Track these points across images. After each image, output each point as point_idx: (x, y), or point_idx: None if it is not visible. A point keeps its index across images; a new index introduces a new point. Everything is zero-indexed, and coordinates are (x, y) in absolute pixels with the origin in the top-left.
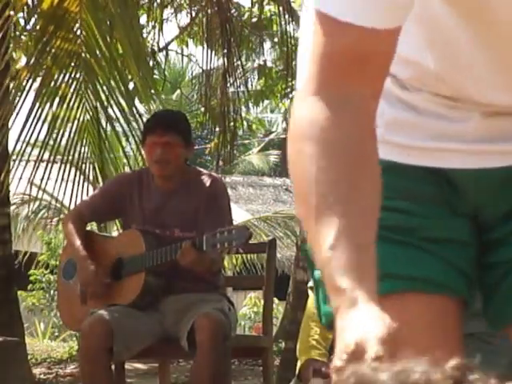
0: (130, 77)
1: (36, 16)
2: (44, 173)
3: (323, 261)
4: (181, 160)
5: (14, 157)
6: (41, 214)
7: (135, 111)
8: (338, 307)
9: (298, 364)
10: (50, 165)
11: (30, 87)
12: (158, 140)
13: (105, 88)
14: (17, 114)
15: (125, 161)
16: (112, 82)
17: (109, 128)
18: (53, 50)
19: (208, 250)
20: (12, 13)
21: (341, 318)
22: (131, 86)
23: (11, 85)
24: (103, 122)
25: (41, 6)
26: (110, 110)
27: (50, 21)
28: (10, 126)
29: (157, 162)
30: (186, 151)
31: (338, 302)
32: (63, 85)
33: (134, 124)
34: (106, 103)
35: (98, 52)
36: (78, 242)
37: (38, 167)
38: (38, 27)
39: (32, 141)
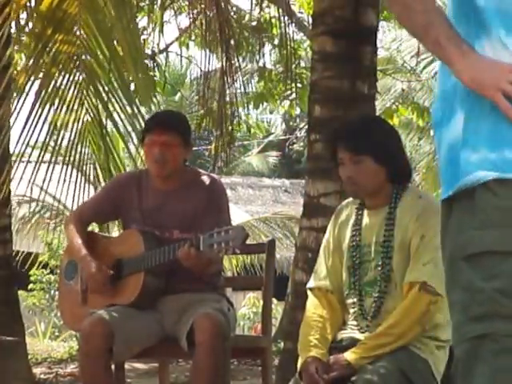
0: (131, 78)
1: (35, 16)
2: (46, 174)
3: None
4: (179, 160)
5: (14, 158)
6: (38, 214)
7: (136, 111)
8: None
9: (299, 362)
10: (51, 166)
11: (30, 88)
12: (157, 139)
13: (105, 88)
14: (17, 115)
15: (126, 162)
16: (114, 82)
17: (110, 129)
18: (52, 51)
19: (205, 249)
20: (12, 13)
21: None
22: (132, 87)
23: (11, 86)
24: (104, 123)
25: (40, 7)
26: (111, 111)
27: (49, 21)
28: (10, 127)
29: (155, 161)
30: (185, 151)
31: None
32: (63, 86)
33: (135, 124)
34: (106, 101)
35: (98, 52)
36: (79, 242)
37: (38, 168)
38: (37, 28)
39: (33, 142)
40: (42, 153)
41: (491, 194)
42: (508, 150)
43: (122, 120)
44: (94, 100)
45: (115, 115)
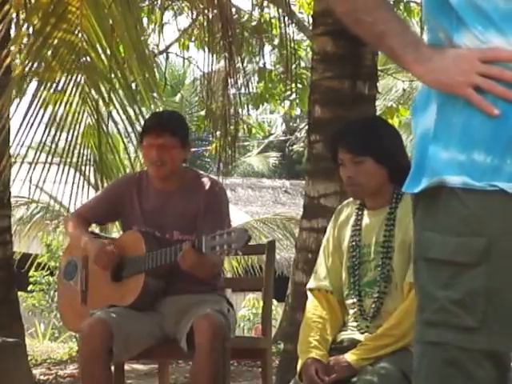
0: (133, 77)
1: (35, 11)
2: (47, 175)
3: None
4: (177, 161)
5: (13, 159)
6: (37, 216)
7: (137, 110)
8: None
9: (299, 364)
10: (50, 167)
11: (27, 87)
12: (154, 142)
13: (106, 84)
14: (14, 113)
15: (126, 162)
16: (114, 80)
17: (110, 129)
18: (52, 45)
19: (207, 252)
20: (12, 10)
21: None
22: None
23: (10, 85)
24: (106, 122)
25: (40, 1)
26: (112, 109)
27: (50, 16)
28: (10, 127)
29: (153, 163)
30: (184, 152)
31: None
32: (62, 84)
33: (136, 124)
34: (107, 100)
35: (99, 49)
36: (81, 231)
37: (35, 169)
38: (36, 21)
39: (33, 143)
40: (41, 153)
41: (457, 199)
42: (477, 153)
43: (122, 120)
44: (95, 99)
45: (116, 115)
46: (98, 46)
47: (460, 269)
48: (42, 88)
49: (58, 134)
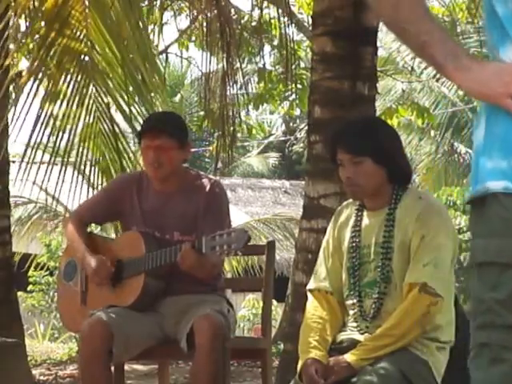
0: (140, 76)
1: (39, 15)
2: (45, 175)
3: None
4: (175, 162)
5: (14, 159)
6: (36, 216)
7: (150, 108)
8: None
9: (299, 364)
10: (50, 167)
11: (37, 90)
12: (151, 143)
13: (115, 86)
14: (18, 117)
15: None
16: (121, 78)
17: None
18: (58, 50)
19: (207, 252)
20: (15, 14)
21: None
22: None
23: (11, 87)
24: (109, 123)
25: (44, 6)
26: (115, 110)
27: (54, 20)
28: (10, 129)
29: (150, 164)
30: (182, 152)
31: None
32: (66, 85)
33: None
34: (118, 98)
35: (107, 49)
36: (79, 240)
37: (32, 168)
38: (41, 27)
39: (33, 143)
40: (42, 154)
41: (499, 204)
42: None
43: (138, 112)
44: (102, 99)
45: (118, 115)
46: (102, 46)
47: (503, 269)
48: (45, 88)
49: (60, 134)
